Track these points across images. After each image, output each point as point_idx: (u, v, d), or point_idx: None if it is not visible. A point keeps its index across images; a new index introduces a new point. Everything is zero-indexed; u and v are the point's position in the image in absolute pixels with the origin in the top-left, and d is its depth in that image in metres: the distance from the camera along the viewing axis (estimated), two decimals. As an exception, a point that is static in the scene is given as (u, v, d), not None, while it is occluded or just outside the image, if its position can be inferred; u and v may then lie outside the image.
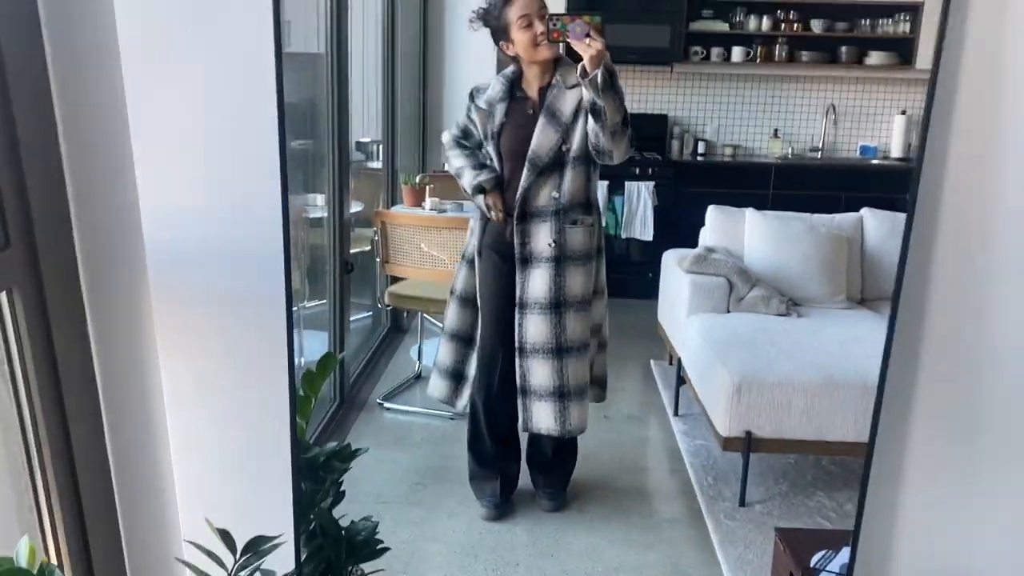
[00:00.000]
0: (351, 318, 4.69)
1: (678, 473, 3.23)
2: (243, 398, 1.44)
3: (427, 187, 4.43)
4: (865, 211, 4.15)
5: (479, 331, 2.83)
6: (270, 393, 1.41)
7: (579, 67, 2.35)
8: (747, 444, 2.89)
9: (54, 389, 1.40)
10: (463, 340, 2.90)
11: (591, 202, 2.67)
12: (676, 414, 3.78)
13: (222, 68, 1.25)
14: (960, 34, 1.30)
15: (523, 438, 2.97)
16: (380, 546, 1.73)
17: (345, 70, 3.48)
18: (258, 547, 1.40)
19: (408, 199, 4.49)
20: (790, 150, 6.06)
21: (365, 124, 5.10)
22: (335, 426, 3.54)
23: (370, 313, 4.84)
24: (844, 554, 2.16)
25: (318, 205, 3.69)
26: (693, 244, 4.22)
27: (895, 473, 1.51)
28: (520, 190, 2.60)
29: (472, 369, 2.88)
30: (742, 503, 2.95)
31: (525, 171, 2.57)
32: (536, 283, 2.64)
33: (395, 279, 3.97)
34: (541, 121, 2.56)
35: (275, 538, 1.42)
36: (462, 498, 2.95)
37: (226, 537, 1.39)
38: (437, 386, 2.96)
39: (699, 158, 6.02)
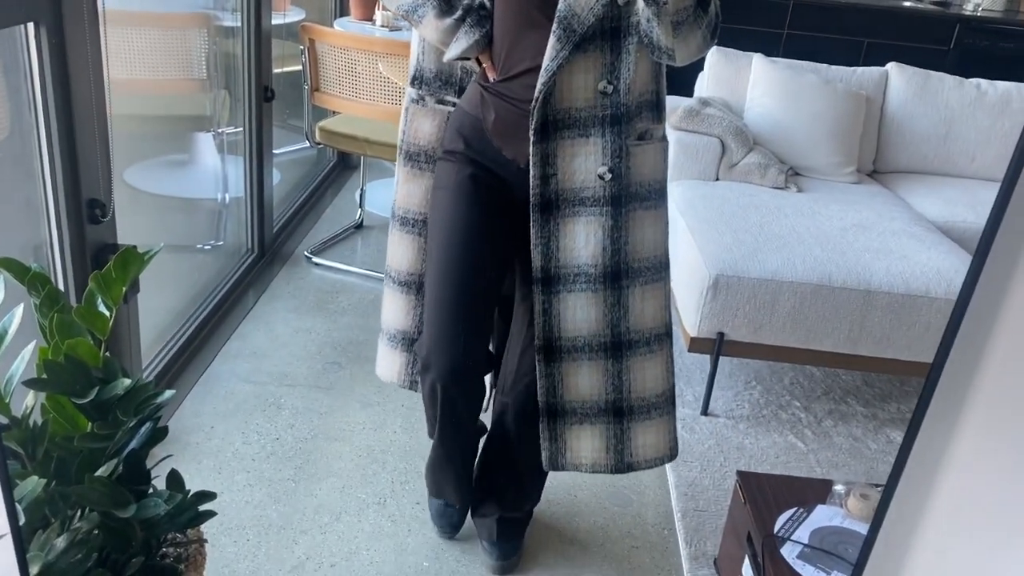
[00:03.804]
0: (290, 148, 4.12)
1: (637, 365, 2.80)
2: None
3: (381, -1, 3.74)
4: (892, 66, 3.52)
5: (431, 299, 1.69)
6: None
7: None
8: (717, 347, 2.44)
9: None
10: (421, 286, 1.79)
11: (661, 100, 1.63)
12: (645, 291, 3.32)
13: None
14: None
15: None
16: (203, 507, 1.29)
17: None
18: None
19: (356, 10, 3.80)
20: (814, -17, 5.28)
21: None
22: (250, 282, 3.07)
23: (320, 144, 4.27)
24: (817, 515, 1.76)
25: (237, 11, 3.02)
26: (689, 92, 3.61)
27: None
28: (543, 78, 1.49)
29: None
30: (705, 411, 2.54)
31: (552, 42, 1.47)
32: (576, 242, 1.59)
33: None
34: None
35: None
36: (380, 386, 2.52)
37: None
38: (387, 364, 1.87)
39: (708, -15, 5.24)
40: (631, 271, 1.63)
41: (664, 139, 1.67)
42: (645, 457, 1.75)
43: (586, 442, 1.71)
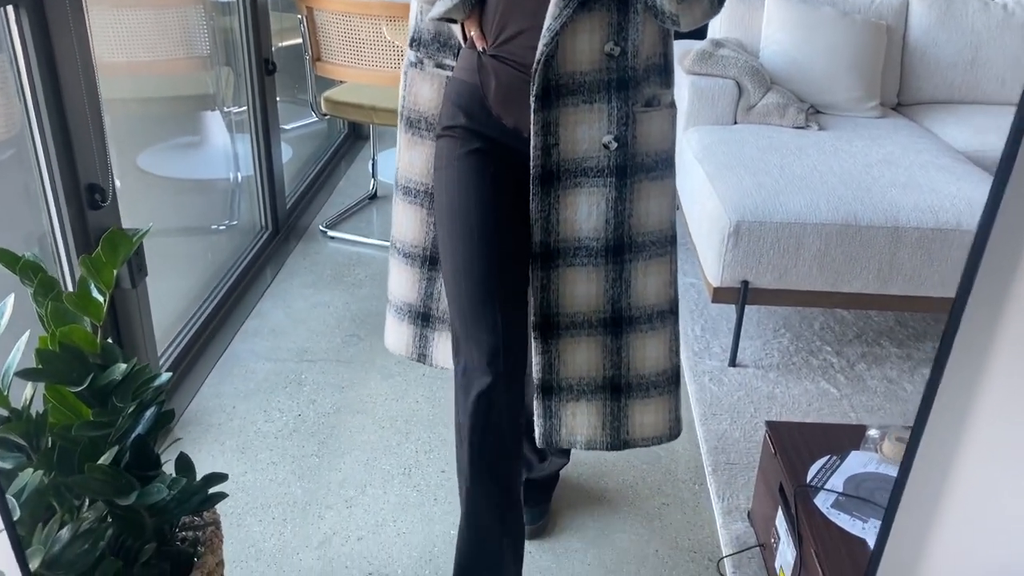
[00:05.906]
0: (301, 123, 4.08)
1: (662, 319, 2.73)
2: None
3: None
4: (913, -8, 3.37)
5: (453, 294, 1.57)
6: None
7: None
8: (742, 296, 2.37)
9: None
10: (425, 259, 1.73)
11: (669, 63, 1.52)
12: (666, 243, 3.24)
13: None
14: None
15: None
16: (215, 489, 1.26)
17: None
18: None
19: (356, -23, 3.71)
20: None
21: None
22: (266, 260, 3.04)
23: (326, 115, 4.22)
24: (851, 462, 1.70)
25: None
26: (701, 34, 3.49)
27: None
28: (545, 38, 1.38)
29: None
30: (733, 362, 2.48)
31: (555, 1, 1.38)
32: (578, 214, 1.50)
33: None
34: None
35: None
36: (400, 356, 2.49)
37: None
38: (395, 335, 1.81)
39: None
40: (635, 245, 1.53)
41: (672, 105, 1.56)
42: (643, 435, 1.66)
43: (582, 418, 1.63)
